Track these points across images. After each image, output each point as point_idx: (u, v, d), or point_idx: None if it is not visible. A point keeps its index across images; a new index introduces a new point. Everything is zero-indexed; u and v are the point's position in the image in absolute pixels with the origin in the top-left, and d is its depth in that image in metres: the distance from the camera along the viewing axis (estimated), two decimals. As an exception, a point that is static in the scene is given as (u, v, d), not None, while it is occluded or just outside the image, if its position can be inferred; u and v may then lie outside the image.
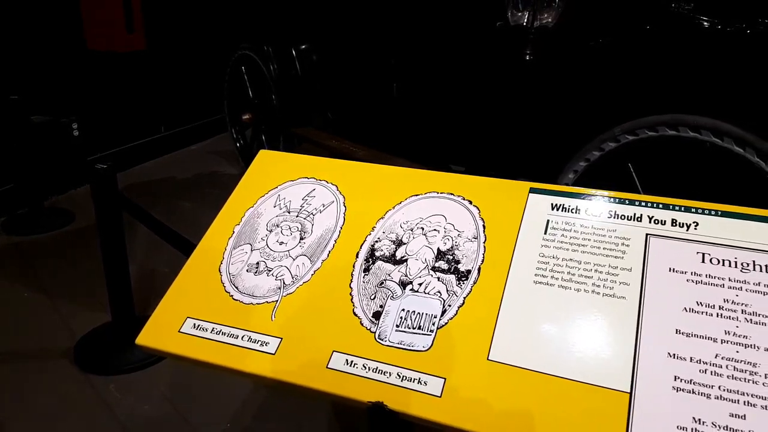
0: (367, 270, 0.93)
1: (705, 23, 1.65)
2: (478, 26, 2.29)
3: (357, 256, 0.96)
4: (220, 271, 0.98)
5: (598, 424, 0.72)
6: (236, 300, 0.94)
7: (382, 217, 1.00)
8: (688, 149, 1.55)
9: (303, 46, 3.25)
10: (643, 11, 1.83)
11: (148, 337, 0.92)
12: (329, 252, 0.97)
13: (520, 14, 2.15)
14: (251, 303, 0.93)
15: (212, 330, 0.90)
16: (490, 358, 0.81)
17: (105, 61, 3.43)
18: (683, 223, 0.89)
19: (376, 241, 0.97)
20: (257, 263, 0.97)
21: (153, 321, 0.93)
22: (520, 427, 0.74)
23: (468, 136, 2.35)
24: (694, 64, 1.64)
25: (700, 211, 0.90)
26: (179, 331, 0.91)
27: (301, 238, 0.99)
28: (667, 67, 1.71)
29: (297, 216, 1.02)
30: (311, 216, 1.01)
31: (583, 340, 0.80)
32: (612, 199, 0.95)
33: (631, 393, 0.74)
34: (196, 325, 0.91)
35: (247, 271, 0.96)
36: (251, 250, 0.99)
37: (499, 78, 2.22)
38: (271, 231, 1.01)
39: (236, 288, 0.95)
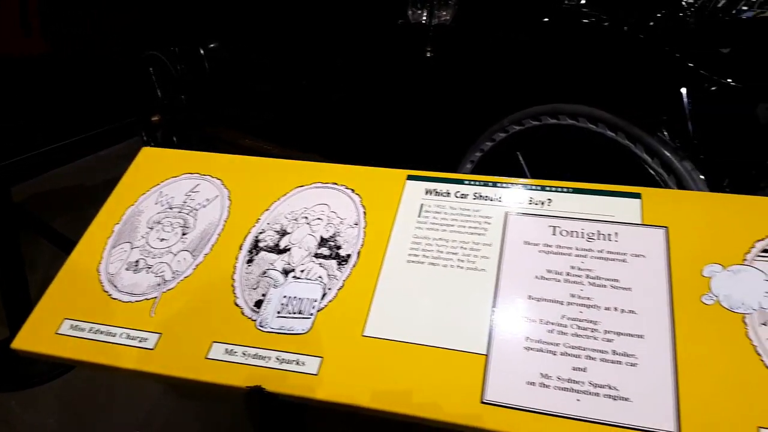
0: (250, 261, 0.96)
1: (588, 19, 1.79)
2: (381, 24, 2.35)
3: (240, 248, 0.98)
4: (98, 271, 0.97)
5: (458, 385, 0.79)
6: (115, 299, 0.93)
7: (267, 209, 1.03)
8: (572, 135, 1.67)
9: (212, 45, 3.21)
10: (536, 7, 1.95)
11: (25, 340, 0.90)
12: (212, 246, 0.98)
13: (419, 12, 2.22)
14: (130, 301, 0.93)
15: (90, 330, 0.90)
16: (365, 334, 0.86)
17: (4, 65, 3.23)
18: (538, 201, 0.98)
19: (261, 233, 0.99)
20: (137, 261, 0.97)
21: (29, 324, 0.91)
22: (391, 395, 0.79)
23: (376, 131, 2.41)
24: (575, 56, 1.77)
25: (553, 189, 0.99)
26: (56, 333, 0.90)
27: (183, 234, 1.00)
28: (552, 60, 1.83)
29: (179, 212, 1.03)
30: (194, 211, 1.02)
31: (447, 310, 0.86)
32: (477, 183, 1.02)
33: (487, 355, 0.81)
34: (74, 326, 0.91)
35: (126, 269, 0.96)
36: (131, 249, 0.98)
37: (403, 75, 2.29)
38: (152, 228, 1.01)
39: (115, 287, 0.94)
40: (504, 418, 0.75)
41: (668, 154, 1.45)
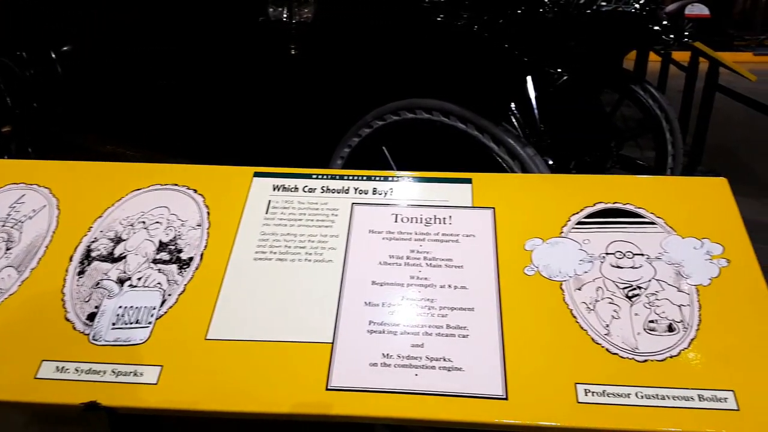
0: (81, 273, 0.90)
1: (440, 18, 1.87)
2: (242, 22, 2.31)
3: (71, 260, 0.92)
4: None
5: (304, 377, 0.79)
6: (-76, 326, 0.84)
7: (100, 216, 0.97)
8: (429, 128, 1.74)
9: (65, 48, 2.97)
10: (397, 5, 2.01)
11: None
12: (39, 259, 0.91)
13: (279, 9, 2.21)
14: (-56, 327, 0.84)
15: None
16: (208, 337, 0.84)
17: None
18: (382, 191, 1.01)
19: (93, 242, 0.94)
20: (-49, 283, 0.88)
21: None
22: (235, 395, 0.78)
23: (245, 131, 2.36)
24: (430, 53, 1.85)
25: (395, 179, 1.03)
26: None
27: (8, 249, 0.92)
28: (410, 57, 1.90)
29: (3, 226, 0.94)
30: (19, 224, 0.94)
31: (295, 304, 0.87)
32: (325, 176, 1.04)
33: (333, 343, 0.83)
34: None
35: (-61, 292, 0.87)
36: (-55, 270, 0.89)
37: (269, 73, 2.26)
38: (-32, 246, 0.92)
39: (-76, 313, 0.85)
40: (347, 402, 0.77)
41: (512, 142, 1.56)
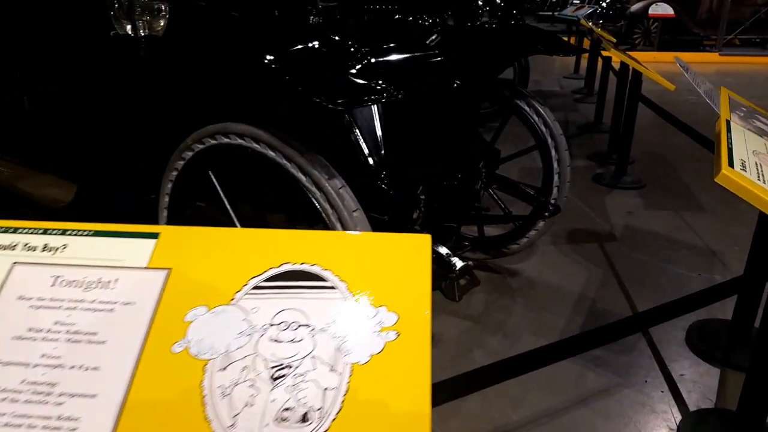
0: None
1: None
2: (96, 36, 2.20)
3: None
4: None
5: None
6: None
7: None
8: (245, 155, 1.63)
9: None
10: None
11: None
12: None
13: (130, 24, 2.10)
14: None
15: None
16: None
17: None
18: (53, 247, 0.90)
19: None
20: None
21: None
22: None
23: (104, 146, 2.25)
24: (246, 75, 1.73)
25: (73, 232, 0.92)
26: None
27: None
28: (230, 79, 1.79)
29: None
30: None
31: None
32: (-7, 230, 0.93)
33: None
34: None
35: None
36: None
37: (125, 87, 2.16)
38: None
39: None
40: None
41: (317, 173, 1.46)
